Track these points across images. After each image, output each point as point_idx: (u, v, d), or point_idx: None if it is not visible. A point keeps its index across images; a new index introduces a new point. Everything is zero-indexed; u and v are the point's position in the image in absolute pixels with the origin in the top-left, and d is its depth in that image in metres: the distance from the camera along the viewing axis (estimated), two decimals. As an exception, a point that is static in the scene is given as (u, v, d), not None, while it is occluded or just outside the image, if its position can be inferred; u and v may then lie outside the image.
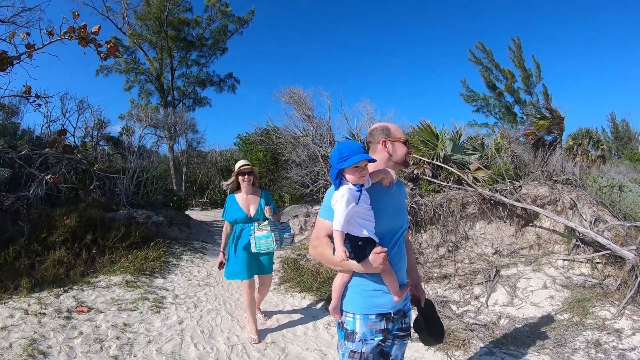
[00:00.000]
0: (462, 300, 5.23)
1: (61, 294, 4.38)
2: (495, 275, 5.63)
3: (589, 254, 5.69)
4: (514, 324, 4.43)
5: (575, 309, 4.57)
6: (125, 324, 3.85)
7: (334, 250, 1.70)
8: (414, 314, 2.12)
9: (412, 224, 6.90)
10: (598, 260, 5.55)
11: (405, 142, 1.96)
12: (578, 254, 5.84)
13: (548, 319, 4.47)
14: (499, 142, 9.03)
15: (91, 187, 7.45)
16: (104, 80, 34.03)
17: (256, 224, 3.64)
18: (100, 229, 6.06)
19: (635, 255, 5.06)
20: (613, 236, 5.78)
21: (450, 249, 6.82)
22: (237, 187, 3.87)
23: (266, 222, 3.63)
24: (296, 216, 8.39)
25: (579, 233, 5.76)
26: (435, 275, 5.92)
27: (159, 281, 5.25)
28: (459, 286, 5.60)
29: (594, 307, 4.61)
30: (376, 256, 1.67)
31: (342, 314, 1.86)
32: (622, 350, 3.72)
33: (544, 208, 6.55)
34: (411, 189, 7.55)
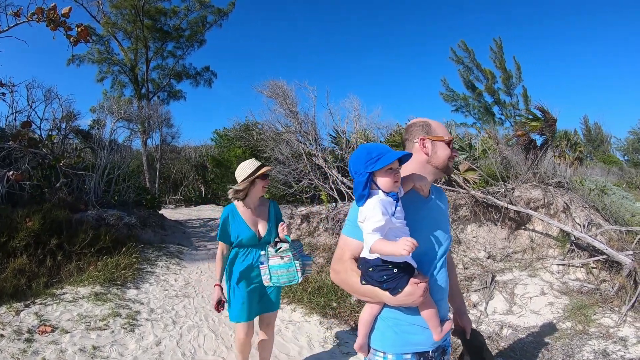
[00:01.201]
0: (458, 306, 5.01)
1: (22, 310, 3.83)
2: (491, 282, 5.43)
3: (584, 259, 5.59)
4: (517, 334, 4.32)
5: (576, 316, 4.47)
6: (94, 347, 3.34)
7: (361, 277, 1.40)
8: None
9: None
10: (593, 265, 5.46)
11: (449, 143, 1.61)
12: (573, 259, 5.73)
13: (551, 328, 4.33)
14: (486, 143, 8.91)
15: (57, 185, 6.81)
16: (75, 70, 32.34)
17: (270, 248, 2.67)
18: (67, 232, 5.48)
19: (632, 260, 4.98)
20: (607, 240, 5.69)
21: (442, 252, 6.60)
22: (244, 197, 2.85)
23: (286, 245, 2.64)
24: (280, 218, 7.98)
25: (575, 237, 5.64)
26: (428, 280, 5.65)
27: (132, 292, 4.73)
28: (454, 292, 5.37)
29: (595, 314, 4.52)
30: (415, 287, 1.35)
31: (369, 351, 1.54)
32: (631, 359, 3.61)
33: (537, 211, 6.41)
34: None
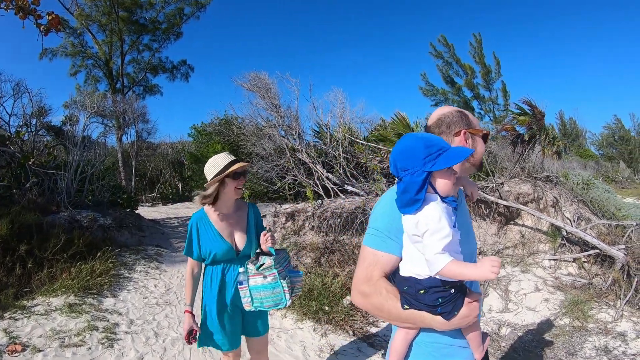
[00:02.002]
0: (454, 308, 4.89)
1: (-12, 326, 3.43)
2: (486, 279, 5.34)
3: (575, 253, 5.58)
4: (516, 333, 4.26)
5: (573, 312, 4.46)
6: (68, 367, 3.01)
7: (404, 300, 1.17)
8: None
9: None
10: (584, 260, 5.45)
11: (485, 137, 1.42)
12: (564, 253, 5.71)
13: (549, 325, 4.28)
14: None
15: (27, 185, 6.30)
16: (48, 65, 30.72)
17: (250, 264, 2.15)
18: (37, 236, 5.04)
19: (625, 254, 4.97)
20: (597, 234, 5.69)
21: (431, 250, 6.49)
22: (215, 201, 2.30)
23: (269, 260, 2.11)
24: (263, 216, 7.70)
25: (566, 232, 5.61)
26: (421, 278, 5.52)
27: (109, 302, 4.37)
28: (449, 291, 5.26)
29: (591, 309, 4.52)
30: (471, 308, 1.15)
31: None
32: (633, 355, 3.61)
33: (526, 206, 6.37)
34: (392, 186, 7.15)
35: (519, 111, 7.43)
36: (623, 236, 5.48)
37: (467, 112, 1.43)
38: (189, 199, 20.10)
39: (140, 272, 5.76)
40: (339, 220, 6.80)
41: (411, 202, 1.12)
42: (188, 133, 17.76)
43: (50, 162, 6.84)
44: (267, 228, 2.38)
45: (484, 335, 1.33)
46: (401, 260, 1.24)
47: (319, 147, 8.70)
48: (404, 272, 1.20)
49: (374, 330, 4.10)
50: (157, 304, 4.62)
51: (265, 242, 2.20)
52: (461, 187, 1.47)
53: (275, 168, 8.78)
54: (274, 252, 2.17)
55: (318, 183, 7.94)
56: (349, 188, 7.63)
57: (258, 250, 2.27)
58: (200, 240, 2.25)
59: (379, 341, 3.84)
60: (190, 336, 2.25)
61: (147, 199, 18.98)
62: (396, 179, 1.22)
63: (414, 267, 1.17)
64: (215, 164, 2.27)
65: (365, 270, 1.26)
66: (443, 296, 1.13)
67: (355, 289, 1.28)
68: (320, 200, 7.47)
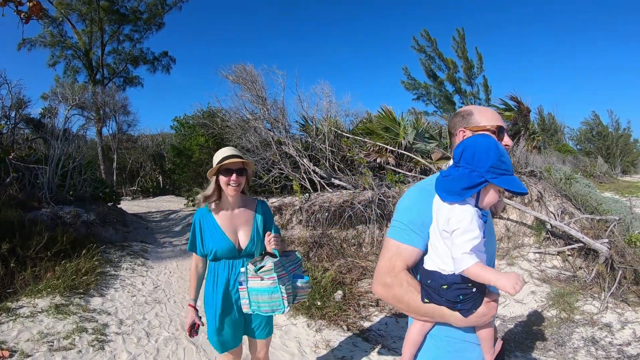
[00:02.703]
0: (444, 302, 4.98)
1: (-29, 331, 3.28)
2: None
3: (559, 247, 5.72)
4: (506, 325, 4.35)
5: (560, 304, 4.58)
6: (58, 371, 2.90)
7: (424, 294, 1.21)
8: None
9: (380, 218, 6.55)
10: (569, 253, 5.60)
11: (495, 132, 1.36)
12: (549, 247, 5.85)
13: (537, 317, 4.38)
14: None
15: (7, 180, 6.03)
16: (26, 55, 29.53)
17: (250, 265, 2.06)
18: (19, 234, 4.83)
19: (608, 248, 5.13)
20: (580, 229, 5.84)
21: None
22: (218, 198, 2.25)
23: (270, 262, 2.02)
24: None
25: (551, 226, 5.74)
26: (410, 273, 5.57)
27: (96, 301, 4.24)
28: (438, 285, 5.34)
29: (577, 301, 4.65)
30: (489, 307, 1.20)
31: None
32: (619, 345, 3.74)
33: (512, 200, 6.48)
34: (380, 180, 7.16)
35: (504, 106, 7.56)
36: (606, 230, 5.65)
37: (475, 109, 1.41)
38: (170, 192, 19.87)
39: (126, 269, 5.63)
40: (326, 214, 6.79)
41: (455, 193, 1.14)
42: (170, 125, 17.35)
43: (30, 155, 6.56)
44: (275, 230, 2.29)
45: (499, 342, 1.36)
46: (424, 253, 1.27)
47: (305, 141, 8.64)
48: (428, 265, 1.23)
49: (367, 324, 4.12)
50: (146, 303, 4.52)
51: (268, 243, 2.13)
52: None
53: (261, 161, 8.67)
54: (277, 254, 2.09)
55: (305, 176, 7.90)
56: (336, 181, 7.62)
57: (264, 252, 2.18)
58: (203, 236, 2.22)
59: (373, 335, 3.86)
60: (192, 330, 2.25)
61: (127, 192, 18.62)
62: (435, 168, 1.26)
63: (439, 262, 1.20)
64: (215, 159, 2.21)
65: (388, 261, 1.28)
66: (465, 293, 1.17)
67: (377, 279, 1.30)
68: (307, 194, 7.44)
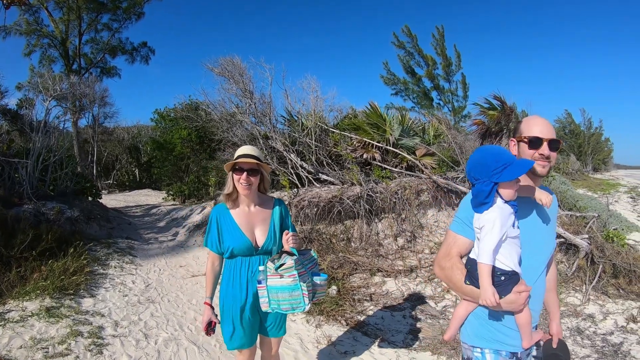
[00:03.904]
0: (436, 295, 5.11)
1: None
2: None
3: (541, 242, 5.90)
4: None
5: None
6: (57, 379, 2.79)
7: (466, 277, 1.45)
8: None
9: (368, 213, 6.60)
10: (550, 247, 5.80)
11: (529, 142, 1.51)
12: (531, 242, 6.04)
13: (524, 308, 4.55)
14: (436, 129, 9.06)
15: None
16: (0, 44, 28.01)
17: (269, 263, 2.07)
18: (2, 232, 4.61)
19: (589, 243, 5.34)
20: (560, 224, 6.05)
21: (408, 239, 6.65)
22: (238, 196, 2.26)
23: (290, 260, 2.03)
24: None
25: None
26: (401, 268, 5.69)
27: (88, 302, 4.11)
28: (429, 279, 5.46)
29: (560, 294, 4.82)
30: (518, 296, 1.38)
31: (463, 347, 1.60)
32: (603, 335, 3.96)
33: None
34: (366, 176, 7.19)
35: (488, 105, 7.67)
36: (585, 226, 5.89)
37: (525, 119, 1.57)
38: (147, 185, 19.45)
39: (115, 267, 5.47)
40: (316, 209, 6.77)
41: (480, 204, 1.40)
42: (151, 118, 16.87)
43: (10, 149, 6.23)
44: (292, 228, 2.30)
45: (539, 332, 1.57)
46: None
47: (292, 135, 8.57)
48: (471, 254, 1.48)
49: (364, 319, 4.17)
50: (139, 302, 4.41)
51: (286, 242, 2.14)
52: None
53: (248, 156, 8.54)
54: (296, 253, 2.09)
55: (292, 172, 7.85)
56: (323, 177, 7.61)
57: (282, 250, 2.18)
58: (220, 232, 2.21)
59: (372, 329, 3.92)
60: (209, 328, 2.22)
61: (103, 186, 18.10)
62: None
63: (476, 254, 1.43)
64: (234, 156, 2.25)
65: (446, 248, 1.54)
66: (495, 281, 1.36)
67: (437, 262, 1.56)
68: (296, 189, 7.40)
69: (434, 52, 22.96)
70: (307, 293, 2.03)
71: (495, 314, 1.48)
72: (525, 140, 1.51)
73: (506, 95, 7.38)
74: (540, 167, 1.50)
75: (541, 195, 1.47)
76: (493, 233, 1.34)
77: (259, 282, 2.08)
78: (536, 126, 1.51)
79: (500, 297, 1.36)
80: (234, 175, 2.18)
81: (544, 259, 1.56)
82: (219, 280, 2.29)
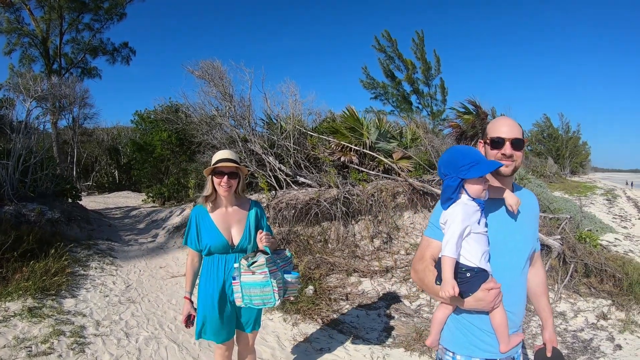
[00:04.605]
0: (411, 294, 5.25)
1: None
2: (436, 267, 5.78)
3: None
4: None
5: None
6: (41, 377, 2.89)
7: (436, 277, 1.44)
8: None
9: (345, 215, 6.75)
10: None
11: (490, 143, 1.54)
12: (504, 243, 6.27)
13: (496, 307, 4.74)
14: (413, 132, 9.28)
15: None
16: None
17: (243, 260, 2.20)
18: (-17, 234, 4.62)
19: (561, 244, 5.59)
20: (533, 226, 6.30)
21: (384, 240, 6.81)
22: (216, 197, 2.44)
23: (262, 258, 2.18)
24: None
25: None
26: (377, 269, 5.86)
27: (69, 303, 4.19)
28: (404, 279, 5.61)
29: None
30: (486, 294, 1.37)
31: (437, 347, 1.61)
32: (573, 331, 4.13)
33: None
34: (343, 178, 7.36)
35: (463, 110, 8.00)
36: (558, 227, 6.15)
37: (492, 121, 1.61)
38: (127, 187, 19.26)
39: (95, 268, 5.53)
40: (293, 211, 6.90)
41: (446, 199, 1.45)
42: (131, 119, 16.77)
43: (-9, 149, 6.21)
44: (266, 228, 2.48)
45: (518, 335, 1.52)
46: None
47: (271, 138, 8.70)
48: (440, 254, 1.46)
49: (339, 317, 4.33)
50: (120, 302, 4.50)
51: (260, 241, 2.29)
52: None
53: (226, 158, 8.61)
54: (268, 251, 2.25)
55: (270, 174, 7.97)
56: (301, 179, 7.73)
57: (257, 249, 2.32)
58: (199, 231, 2.38)
59: (347, 327, 4.08)
60: (188, 321, 2.40)
61: (82, 187, 17.85)
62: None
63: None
64: (212, 160, 2.39)
65: (420, 252, 1.58)
66: (460, 277, 1.37)
67: (412, 266, 1.60)
68: (274, 192, 7.53)
69: (413, 57, 23.36)
70: (277, 289, 2.18)
71: (471, 316, 1.46)
72: (488, 141, 1.55)
73: (485, 100, 7.67)
74: (503, 167, 1.49)
75: (509, 198, 1.49)
76: (454, 225, 1.37)
77: (234, 279, 2.23)
78: (500, 127, 1.54)
79: (467, 295, 1.35)
80: (215, 178, 2.34)
81: (520, 259, 1.54)
82: (198, 277, 2.45)
